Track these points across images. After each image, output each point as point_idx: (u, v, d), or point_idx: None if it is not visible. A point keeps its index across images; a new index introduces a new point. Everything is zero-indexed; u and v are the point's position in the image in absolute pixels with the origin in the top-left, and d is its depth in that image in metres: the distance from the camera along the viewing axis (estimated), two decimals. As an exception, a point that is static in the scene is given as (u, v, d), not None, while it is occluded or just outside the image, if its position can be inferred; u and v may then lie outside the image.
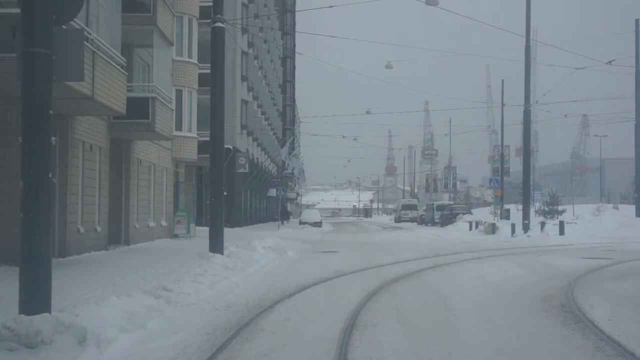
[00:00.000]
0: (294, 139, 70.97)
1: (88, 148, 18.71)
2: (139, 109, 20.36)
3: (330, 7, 20.31)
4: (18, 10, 11.88)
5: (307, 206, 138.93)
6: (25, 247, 7.14)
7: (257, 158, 54.58)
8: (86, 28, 14.22)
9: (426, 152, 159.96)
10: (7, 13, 12.65)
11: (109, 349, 6.59)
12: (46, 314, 6.66)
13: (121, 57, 17.32)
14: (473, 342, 7.34)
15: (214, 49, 18.51)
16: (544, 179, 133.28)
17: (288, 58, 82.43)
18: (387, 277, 13.54)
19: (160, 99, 21.88)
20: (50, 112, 7.30)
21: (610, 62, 32.01)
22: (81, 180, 18.24)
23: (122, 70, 17.06)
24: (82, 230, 18.14)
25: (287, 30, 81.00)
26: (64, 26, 7.87)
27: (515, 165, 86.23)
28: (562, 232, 30.08)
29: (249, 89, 49.10)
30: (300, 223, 49.84)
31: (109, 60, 15.78)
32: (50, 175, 7.23)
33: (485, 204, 71.48)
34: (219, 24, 18.45)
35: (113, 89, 16.15)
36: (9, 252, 14.37)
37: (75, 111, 16.78)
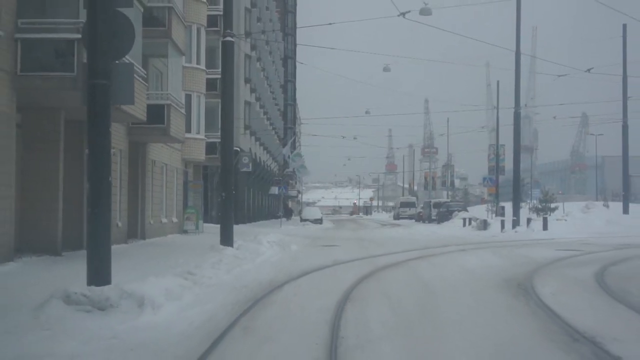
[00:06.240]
0: (294, 139, 72.92)
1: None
2: (156, 114, 22.36)
3: (330, 24, 22.26)
4: (58, 35, 14.08)
5: (308, 204, 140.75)
6: (91, 235, 9.15)
7: (260, 157, 56.54)
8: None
9: (426, 150, 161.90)
10: (50, 38, 14.70)
11: (160, 312, 8.59)
12: (112, 285, 8.68)
13: (142, 69, 19.30)
14: (441, 310, 9.35)
15: (224, 61, 20.35)
16: (543, 177, 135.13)
17: (289, 58, 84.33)
18: (378, 265, 15.57)
19: (174, 105, 23.89)
20: (110, 129, 9.29)
21: (589, 70, 33.99)
22: (105, 180, 20.22)
23: (143, 81, 19.05)
24: (106, 225, 20.12)
25: (288, 31, 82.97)
26: (117, 61, 9.85)
27: (512, 163, 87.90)
28: (545, 227, 32.15)
29: (252, 91, 51.05)
30: (302, 220, 51.90)
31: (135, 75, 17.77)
32: (110, 179, 9.23)
33: (484, 201, 73.32)
34: (229, 39, 20.35)
35: (136, 99, 18.11)
36: (47, 244, 16.46)
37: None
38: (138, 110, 18.37)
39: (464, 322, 8.35)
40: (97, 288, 8.53)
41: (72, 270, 12.61)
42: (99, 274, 8.87)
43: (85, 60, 14.19)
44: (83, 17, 14.76)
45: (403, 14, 22.04)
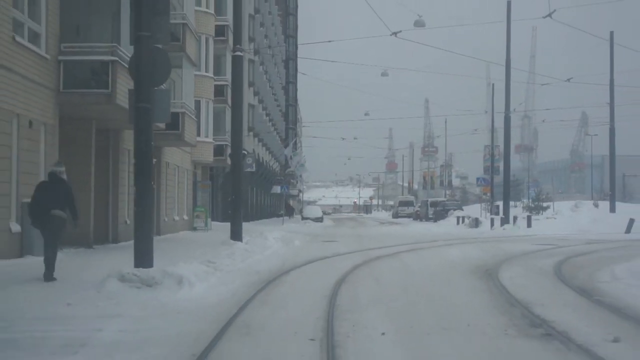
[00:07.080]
0: (296, 140, 75.23)
1: (132, 155, 22.99)
2: (172, 122, 24.52)
3: (329, 41, 24.45)
4: (95, 57, 16.40)
5: (309, 202, 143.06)
6: (137, 228, 11.41)
7: (262, 157, 58.79)
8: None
9: (426, 149, 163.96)
10: (88, 60, 16.97)
11: (194, 289, 10.83)
12: (155, 267, 10.94)
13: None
14: (417, 288, 11.60)
15: (234, 74, 22.60)
16: (543, 176, 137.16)
17: (290, 60, 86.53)
18: (372, 256, 17.84)
19: (188, 112, 26.15)
20: (152, 143, 11.53)
21: (569, 80, 36.28)
22: (127, 181, 22.50)
23: (163, 94, 21.25)
24: (128, 222, 22.39)
25: (290, 33, 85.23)
26: (156, 88, 12.08)
27: (511, 162, 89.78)
28: (529, 225, 34.49)
29: (255, 94, 53.24)
30: (303, 218, 54.16)
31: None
32: (152, 183, 11.47)
33: (481, 200, 75.40)
34: (239, 53, 22.60)
35: (157, 110, 20.39)
36: (81, 238, 18.72)
37: (125, 126, 21.02)
38: (158, 119, 20.59)
39: (433, 296, 10.62)
40: (143, 269, 10.79)
41: (108, 259, 15.28)
42: (144, 258, 11.14)
43: (118, 80, 16.53)
44: (117, 42, 17.08)
45: (395, 34, 24.20)
